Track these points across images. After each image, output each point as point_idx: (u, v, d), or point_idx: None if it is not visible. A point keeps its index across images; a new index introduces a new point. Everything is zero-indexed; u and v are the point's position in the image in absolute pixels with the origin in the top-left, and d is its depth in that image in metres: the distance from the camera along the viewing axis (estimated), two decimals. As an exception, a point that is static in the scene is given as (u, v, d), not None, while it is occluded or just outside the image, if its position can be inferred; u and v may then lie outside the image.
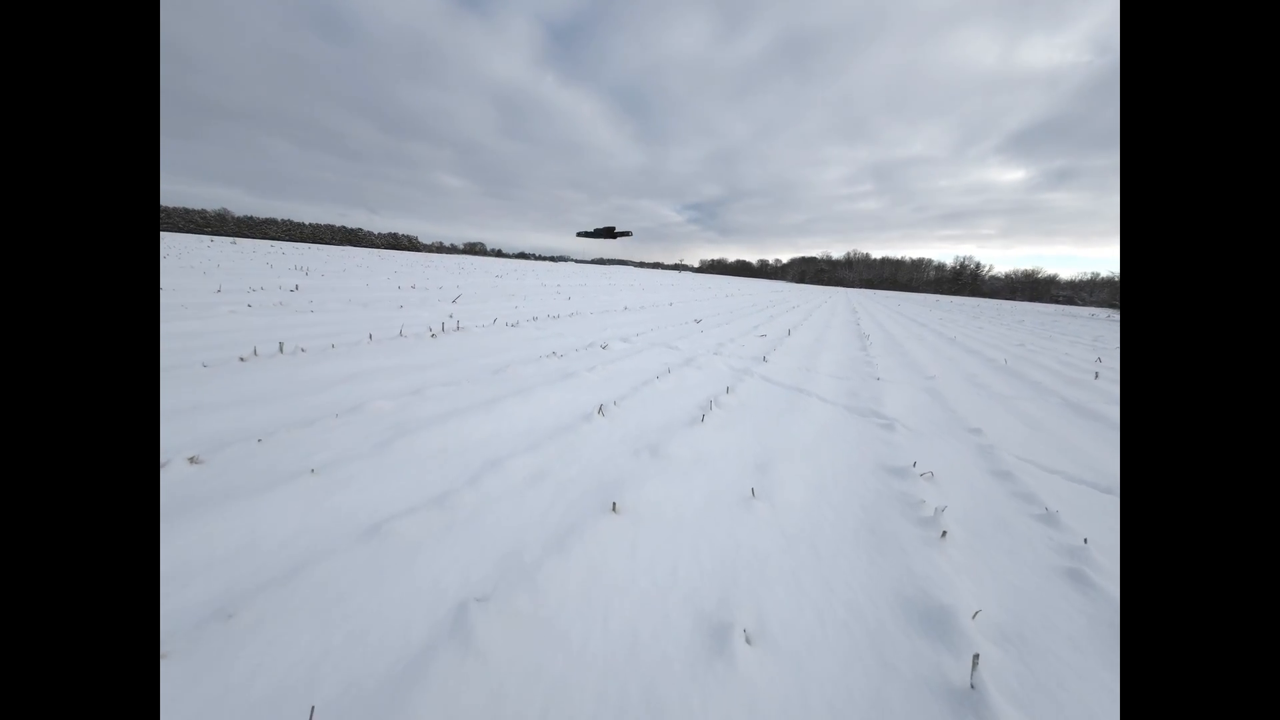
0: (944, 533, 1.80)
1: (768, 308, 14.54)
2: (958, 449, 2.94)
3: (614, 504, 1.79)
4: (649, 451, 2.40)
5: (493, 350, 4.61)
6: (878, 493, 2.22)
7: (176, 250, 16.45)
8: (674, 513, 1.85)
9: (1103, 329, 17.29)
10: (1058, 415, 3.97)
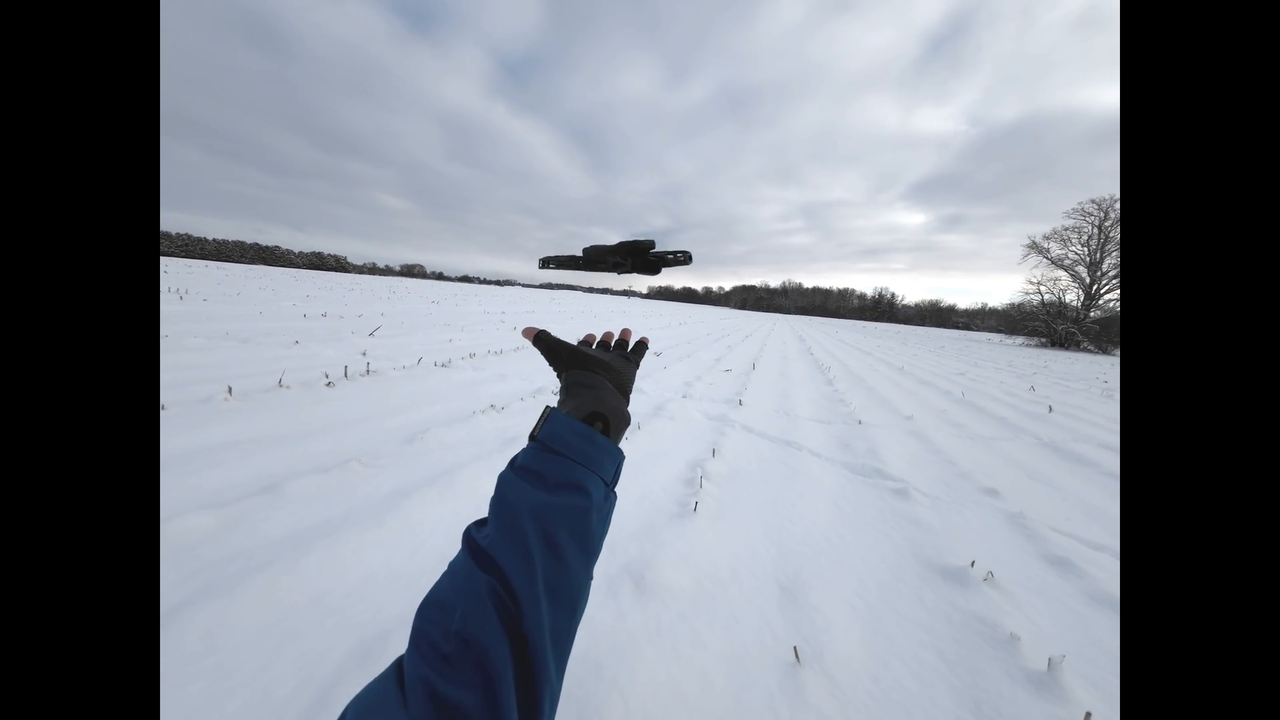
0: (1088, 716, 1.20)
1: (722, 336, 14.43)
2: (989, 523, 2.47)
3: (588, 749, 0.98)
4: (631, 581, 1.62)
5: (411, 404, 3.59)
6: (948, 620, 1.61)
7: None
8: (690, 736, 1.07)
9: (1011, 354, 19.32)
10: (1046, 461, 3.76)
